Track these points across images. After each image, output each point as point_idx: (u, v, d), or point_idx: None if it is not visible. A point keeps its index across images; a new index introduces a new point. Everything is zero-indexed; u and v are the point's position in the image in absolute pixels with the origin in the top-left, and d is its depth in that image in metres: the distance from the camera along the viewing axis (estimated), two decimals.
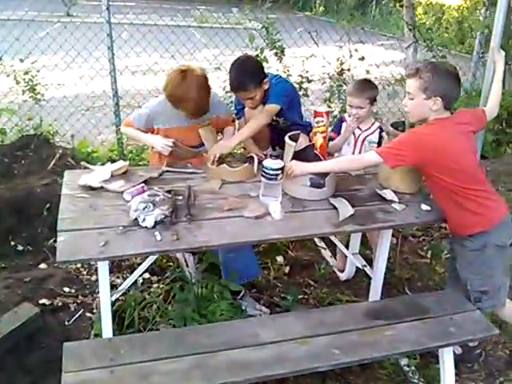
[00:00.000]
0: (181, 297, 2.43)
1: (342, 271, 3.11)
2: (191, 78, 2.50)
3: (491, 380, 2.44)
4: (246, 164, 2.50)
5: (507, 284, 2.31)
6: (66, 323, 2.54)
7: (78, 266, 3.01)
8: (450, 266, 2.51)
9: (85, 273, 2.97)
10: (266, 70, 4.18)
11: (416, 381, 2.35)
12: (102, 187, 2.32)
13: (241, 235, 2.07)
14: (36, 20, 5.08)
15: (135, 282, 2.60)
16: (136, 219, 2.06)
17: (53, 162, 4.05)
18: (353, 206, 2.27)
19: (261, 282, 2.90)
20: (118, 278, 2.84)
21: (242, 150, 3.81)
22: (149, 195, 2.13)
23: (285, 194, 2.33)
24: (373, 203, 2.37)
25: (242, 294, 2.62)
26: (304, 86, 4.48)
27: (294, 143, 2.34)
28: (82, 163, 2.56)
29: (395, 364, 2.41)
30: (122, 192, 2.26)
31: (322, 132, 2.64)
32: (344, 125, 2.90)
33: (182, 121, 2.66)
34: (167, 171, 2.54)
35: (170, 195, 2.27)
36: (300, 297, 2.84)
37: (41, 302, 2.64)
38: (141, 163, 4.30)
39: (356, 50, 4.41)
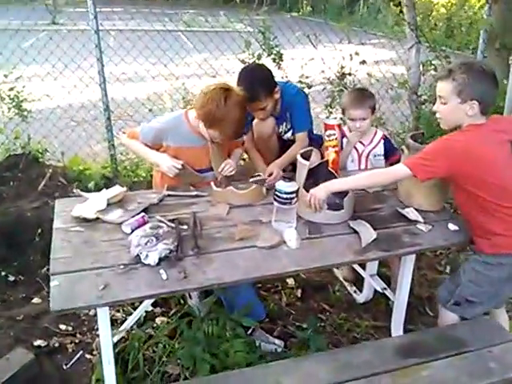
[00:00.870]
0: (189, 334, 2.21)
1: (349, 280, 2.93)
2: (234, 99, 2.27)
3: None
4: (254, 185, 2.29)
5: (492, 306, 2.18)
6: (64, 367, 2.31)
7: None
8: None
9: None
10: None
11: None
12: (97, 218, 2.10)
13: (255, 269, 1.86)
14: (21, 29, 4.85)
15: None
16: (138, 256, 1.84)
17: (43, 182, 3.82)
18: (374, 229, 2.07)
19: (273, 310, 2.68)
20: (118, 311, 2.61)
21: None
22: (151, 228, 1.92)
23: (299, 217, 2.12)
24: (396, 224, 2.17)
25: (252, 328, 2.39)
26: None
27: (307, 162, 2.13)
28: (75, 191, 2.32)
29: None
30: (121, 223, 2.04)
31: (334, 146, 2.45)
32: (345, 140, 2.69)
33: (195, 141, 2.43)
34: (168, 195, 2.32)
35: (173, 225, 2.06)
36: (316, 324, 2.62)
37: (36, 343, 2.41)
38: (135, 180, 4.09)
39: (357, 54, 4.20)
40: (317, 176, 2.19)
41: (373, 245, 2.00)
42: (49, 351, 2.39)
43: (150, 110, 4.37)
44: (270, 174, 2.48)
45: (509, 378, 1.83)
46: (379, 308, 2.86)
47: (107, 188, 2.33)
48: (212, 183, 2.32)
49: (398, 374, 1.79)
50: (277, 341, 2.46)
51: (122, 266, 1.81)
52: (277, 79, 2.85)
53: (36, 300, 2.82)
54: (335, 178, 2.24)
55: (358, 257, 1.96)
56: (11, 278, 2.99)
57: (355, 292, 2.91)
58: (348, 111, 2.68)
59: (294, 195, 2.00)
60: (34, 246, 3.18)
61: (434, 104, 4.56)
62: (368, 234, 2.04)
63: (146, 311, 2.52)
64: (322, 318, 2.74)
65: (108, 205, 2.18)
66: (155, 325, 2.46)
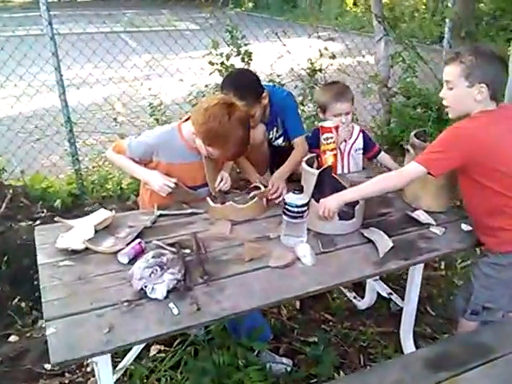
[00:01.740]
0: (196, 365, 2.02)
1: (348, 287, 2.82)
2: (237, 115, 2.05)
3: None
4: (256, 198, 2.12)
5: (510, 308, 2.05)
6: None
7: None
8: None
9: None
10: None
11: None
12: (86, 248, 1.88)
13: (273, 293, 1.69)
14: None
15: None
16: (142, 289, 1.65)
17: (4, 204, 3.51)
18: (388, 236, 1.96)
19: (275, 326, 2.53)
20: None
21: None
22: (153, 256, 1.72)
23: (308, 229, 1.97)
24: (408, 229, 2.07)
25: (257, 351, 2.22)
26: None
27: (315, 171, 1.99)
28: (57, 219, 2.08)
29: None
30: (115, 253, 1.83)
31: (332, 149, 2.33)
32: (324, 136, 2.53)
33: (189, 157, 2.21)
34: (161, 215, 2.12)
35: (174, 250, 1.86)
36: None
37: None
38: (105, 194, 3.84)
39: (326, 49, 4.10)
40: (322, 184, 2.05)
41: (390, 254, 1.89)
42: None
43: (115, 119, 4.10)
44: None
45: None
46: (381, 313, 2.77)
47: (76, 206, 2.09)
48: (208, 199, 2.13)
49: None
50: (284, 360, 2.31)
51: (125, 304, 1.61)
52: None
53: (13, 338, 2.55)
54: (341, 184, 2.11)
55: (379, 269, 1.84)
56: None
57: (355, 298, 2.80)
58: (331, 106, 2.53)
59: (305, 208, 1.85)
60: (0, 275, 2.89)
61: (404, 96, 4.57)
62: (384, 242, 1.92)
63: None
64: (326, 329, 2.62)
65: (95, 231, 1.96)
66: (155, 355, 2.26)
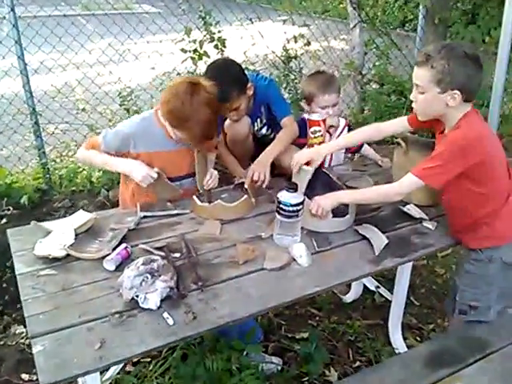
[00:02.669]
0: (186, 371, 1.94)
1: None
2: (202, 96, 1.96)
3: None
4: (245, 196, 2.03)
5: (501, 306, 2.00)
6: None
7: None
8: None
9: None
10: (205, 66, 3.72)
11: None
12: (68, 255, 1.76)
13: (270, 297, 1.62)
14: None
15: None
16: (133, 299, 1.55)
17: None
18: (382, 232, 1.91)
19: (262, 324, 2.47)
20: None
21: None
22: (143, 263, 1.61)
23: (301, 228, 1.91)
24: (402, 225, 2.03)
25: (246, 352, 2.16)
26: None
27: (310, 168, 1.91)
28: (33, 223, 1.94)
29: None
30: (101, 258, 1.72)
31: (320, 143, 2.26)
32: (312, 130, 2.43)
33: (170, 144, 2.10)
34: (145, 217, 2.01)
35: (163, 254, 1.77)
36: (308, 333, 2.45)
37: None
38: (74, 189, 3.67)
39: (301, 36, 4.01)
40: (313, 180, 1.99)
41: (386, 251, 1.84)
42: None
43: (83, 110, 3.91)
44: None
45: None
46: (366, 304, 2.76)
47: (44, 202, 1.95)
48: (195, 197, 2.03)
49: None
50: (274, 359, 2.26)
51: (116, 315, 1.51)
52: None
53: None
54: (332, 180, 2.05)
55: (376, 267, 1.79)
56: None
57: (340, 291, 2.76)
58: (318, 98, 2.45)
59: (300, 207, 1.78)
60: None
61: (378, 83, 4.55)
62: (379, 239, 1.87)
63: None
64: (313, 324, 2.58)
65: (76, 236, 1.84)
66: (140, 361, 2.16)
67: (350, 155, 2.72)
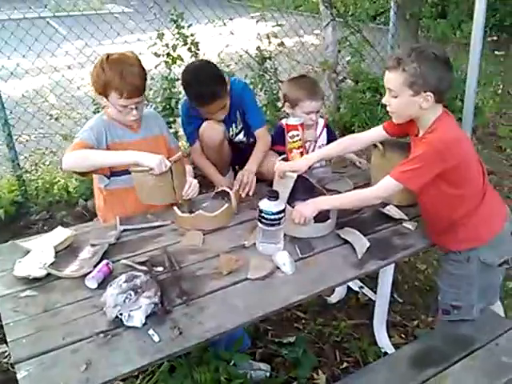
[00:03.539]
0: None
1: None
2: (116, 55, 2.06)
3: None
4: (226, 205, 2.02)
5: (483, 304, 2.03)
6: None
7: None
8: None
9: None
10: (179, 70, 3.70)
11: None
12: (48, 273, 1.72)
13: (256, 307, 1.62)
14: None
15: None
16: (117, 317, 1.53)
17: None
18: (363, 235, 1.93)
19: (248, 330, 2.45)
20: None
21: None
22: (126, 281, 1.59)
23: (284, 234, 1.91)
24: (382, 226, 2.05)
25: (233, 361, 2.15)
26: None
27: (294, 174, 1.91)
28: (11, 242, 1.90)
29: None
30: (82, 276, 1.69)
31: (299, 147, 2.26)
32: (290, 134, 2.33)
33: (128, 135, 2.15)
34: (125, 230, 1.99)
35: (145, 268, 1.75)
36: (295, 337, 2.45)
37: None
38: (51, 200, 3.61)
39: (275, 36, 4.01)
40: (293, 185, 1.99)
41: (368, 254, 1.85)
42: None
43: (56, 119, 3.85)
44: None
45: None
46: (350, 304, 2.78)
47: (21, 215, 1.90)
48: (175, 208, 2.02)
49: None
50: (262, 365, 2.26)
51: (101, 335, 1.49)
52: None
53: None
54: (312, 184, 2.06)
55: (359, 271, 1.80)
56: None
57: (324, 293, 2.77)
58: (305, 103, 2.44)
59: (282, 215, 1.78)
60: None
61: (353, 81, 4.57)
62: (360, 242, 1.88)
63: None
64: (300, 327, 2.59)
65: (56, 253, 1.81)
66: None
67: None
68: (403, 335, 2.57)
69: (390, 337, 2.49)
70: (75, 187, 3.61)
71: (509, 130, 4.92)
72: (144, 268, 1.75)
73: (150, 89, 3.76)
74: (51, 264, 1.74)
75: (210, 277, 1.73)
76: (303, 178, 2.08)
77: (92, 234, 1.98)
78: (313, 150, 2.54)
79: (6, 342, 2.41)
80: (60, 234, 1.90)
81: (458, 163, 1.78)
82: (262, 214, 1.78)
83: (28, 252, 1.82)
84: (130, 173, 2.01)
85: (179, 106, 2.64)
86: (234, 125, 2.57)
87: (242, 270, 1.75)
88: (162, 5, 4.00)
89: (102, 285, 1.66)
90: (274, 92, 4.17)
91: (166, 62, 3.75)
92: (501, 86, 5.82)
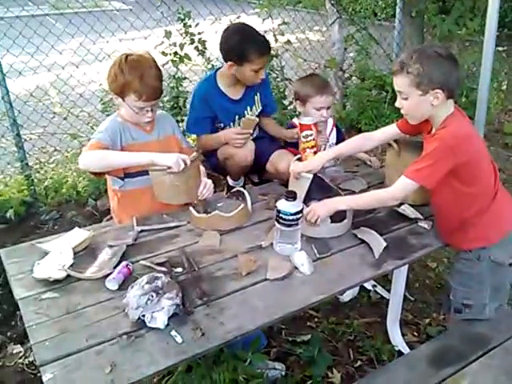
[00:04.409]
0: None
1: None
2: (136, 56, 2.06)
3: None
4: (242, 205, 2.03)
5: (497, 303, 2.02)
6: None
7: (31, 359, 2.36)
8: None
9: None
10: (186, 68, 3.70)
11: None
12: (67, 275, 1.73)
13: (276, 308, 1.63)
14: None
15: None
16: (139, 319, 1.53)
17: None
18: (380, 234, 1.93)
19: (263, 329, 2.47)
20: None
21: None
22: (147, 282, 1.60)
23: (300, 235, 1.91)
24: (398, 226, 2.05)
25: (249, 360, 2.16)
26: None
27: (310, 175, 1.92)
28: (29, 244, 1.90)
29: None
30: (103, 277, 1.70)
31: (313, 147, 2.27)
32: (304, 134, 2.36)
33: (143, 136, 2.16)
34: (142, 231, 1.99)
35: (164, 269, 1.76)
36: (309, 335, 2.46)
37: None
38: (60, 199, 3.61)
39: (282, 34, 4.00)
40: (309, 186, 1.99)
41: (385, 254, 1.86)
42: None
43: (65, 119, 3.84)
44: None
45: None
46: (362, 302, 2.78)
47: (31, 215, 1.89)
48: (191, 209, 2.02)
49: None
50: (277, 365, 2.27)
51: (124, 337, 1.49)
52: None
53: None
54: (327, 184, 2.06)
55: (377, 271, 1.81)
56: None
57: None
58: (314, 99, 2.47)
59: (300, 215, 1.78)
60: None
61: (359, 78, 4.57)
62: (377, 242, 1.89)
63: None
64: (313, 326, 2.60)
65: (75, 254, 1.82)
66: None
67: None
68: (416, 333, 2.58)
69: (402, 335, 2.51)
70: (84, 186, 3.61)
71: None
72: (163, 269, 1.75)
73: None
74: (71, 265, 1.75)
75: (230, 277, 1.74)
76: (319, 177, 2.09)
77: (109, 235, 1.98)
78: (324, 149, 2.55)
79: (21, 343, 2.48)
80: (78, 235, 1.90)
81: (469, 160, 1.79)
82: (280, 215, 1.78)
83: (46, 253, 1.83)
84: (143, 174, 2.05)
85: (193, 90, 2.64)
86: (254, 107, 2.60)
87: (260, 271, 1.76)
88: (169, 3, 3.99)
89: (123, 286, 1.67)
90: (281, 90, 4.17)
91: (173, 61, 3.74)
92: (505, 82, 5.81)
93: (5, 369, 2.36)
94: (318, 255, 1.85)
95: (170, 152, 1.98)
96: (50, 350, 1.45)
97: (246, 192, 2.12)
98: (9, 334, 2.57)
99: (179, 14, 3.69)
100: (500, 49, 6.55)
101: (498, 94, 5.49)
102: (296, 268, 1.77)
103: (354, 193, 2.18)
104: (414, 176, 1.79)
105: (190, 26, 3.73)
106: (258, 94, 2.60)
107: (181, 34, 3.76)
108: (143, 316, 1.53)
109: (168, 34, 3.63)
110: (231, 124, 2.59)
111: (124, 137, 2.11)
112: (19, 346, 2.47)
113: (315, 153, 2.26)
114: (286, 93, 4.25)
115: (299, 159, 2.20)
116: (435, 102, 1.78)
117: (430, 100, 1.78)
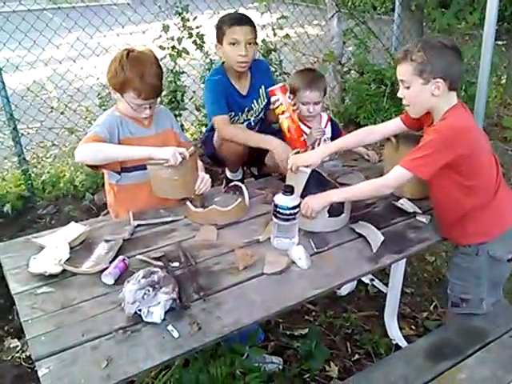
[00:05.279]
0: (189, 378, 1.94)
1: None
2: (137, 52, 2.03)
3: None
4: (239, 199, 2.02)
5: (494, 298, 2.02)
6: None
7: (28, 353, 2.36)
8: None
9: None
10: (184, 63, 3.68)
11: None
12: (63, 270, 1.72)
13: (273, 302, 1.62)
14: None
15: None
16: (136, 313, 1.53)
17: None
18: (377, 229, 1.93)
19: (260, 323, 2.47)
20: None
21: None
22: (144, 276, 1.59)
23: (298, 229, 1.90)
24: (396, 220, 2.04)
25: (246, 354, 2.15)
26: None
27: (308, 169, 1.91)
28: (25, 238, 1.89)
29: None
30: (99, 272, 1.69)
31: (283, 112, 2.27)
32: (272, 100, 2.39)
33: (141, 131, 2.14)
34: (139, 225, 1.98)
35: (161, 263, 1.75)
36: (307, 329, 2.46)
37: None
38: (58, 193, 3.60)
39: (280, 28, 3.98)
40: (307, 180, 1.98)
41: (383, 248, 1.85)
42: None
43: (62, 113, 3.83)
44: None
45: None
46: (360, 296, 2.78)
47: (28, 209, 1.88)
48: (188, 203, 2.01)
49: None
50: (274, 358, 2.27)
51: (120, 331, 1.49)
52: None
53: None
54: (325, 178, 2.05)
55: (375, 265, 1.80)
56: None
57: None
58: (300, 93, 2.46)
59: (297, 209, 1.78)
60: None
61: (358, 72, 4.55)
62: (375, 236, 1.88)
63: None
64: (310, 319, 2.60)
65: (71, 249, 1.81)
66: None
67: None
68: (413, 327, 2.58)
69: (400, 328, 2.51)
70: (81, 181, 3.59)
71: None
72: (160, 263, 1.74)
73: None
74: (67, 260, 1.74)
75: (226, 272, 1.73)
76: (316, 172, 2.08)
77: (105, 230, 1.97)
78: (318, 145, 2.54)
79: (18, 337, 2.47)
80: (74, 230, 1.89)
81: (467, 152, 1.77)
82: (278, 209, 1.77)
83: (42, 248, 1.82)
84: (140, 169, 2.04)
85: (206, 82, 2.60)
86: (255, 101, 2.59)
87: (257, 265, 1.75)
88: None
89: (119, 280, 1.66)
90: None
91: (171, 55, 3.73)
92: (504, 76, 5.80)
93: (2, 363, 2.36)
94: (315, 249, 1.84)
95: (168, 146, 1.97)
96: (45, 344, 1.44)
97: (243, 186, 2.11)
98: (6, 328, 2.57)
99: (177, 7, 3.67)
100: (499, 43, 6.53)
101: (497, 88, 5.48)
102: (293, 262, 1.77)
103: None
104: (408, 166, 1.78)
105: (188, 20, 3.71)
106: (263, 87, 2.58)
107: (179, 28, 3.74)
108: (139, 310, 1.52)
109: (166, 28, 3.61)
110: (240, 114, 2.58)
111: (122, 131, 2.09)
112: (16, 340, 2.47)
113: (289, 117, 2.26)
114: None
115: (297, 153, 2.19)
116: (436, 91, 1.78)
117: (432, 89, 1.78)
